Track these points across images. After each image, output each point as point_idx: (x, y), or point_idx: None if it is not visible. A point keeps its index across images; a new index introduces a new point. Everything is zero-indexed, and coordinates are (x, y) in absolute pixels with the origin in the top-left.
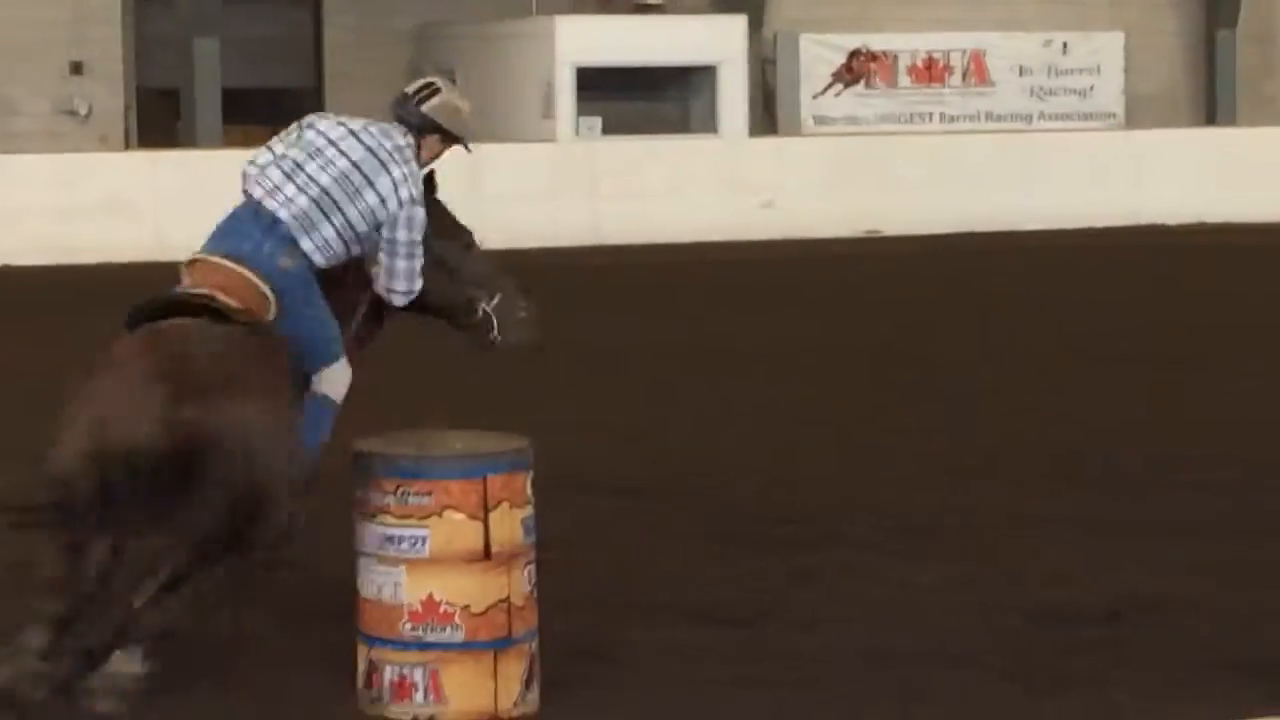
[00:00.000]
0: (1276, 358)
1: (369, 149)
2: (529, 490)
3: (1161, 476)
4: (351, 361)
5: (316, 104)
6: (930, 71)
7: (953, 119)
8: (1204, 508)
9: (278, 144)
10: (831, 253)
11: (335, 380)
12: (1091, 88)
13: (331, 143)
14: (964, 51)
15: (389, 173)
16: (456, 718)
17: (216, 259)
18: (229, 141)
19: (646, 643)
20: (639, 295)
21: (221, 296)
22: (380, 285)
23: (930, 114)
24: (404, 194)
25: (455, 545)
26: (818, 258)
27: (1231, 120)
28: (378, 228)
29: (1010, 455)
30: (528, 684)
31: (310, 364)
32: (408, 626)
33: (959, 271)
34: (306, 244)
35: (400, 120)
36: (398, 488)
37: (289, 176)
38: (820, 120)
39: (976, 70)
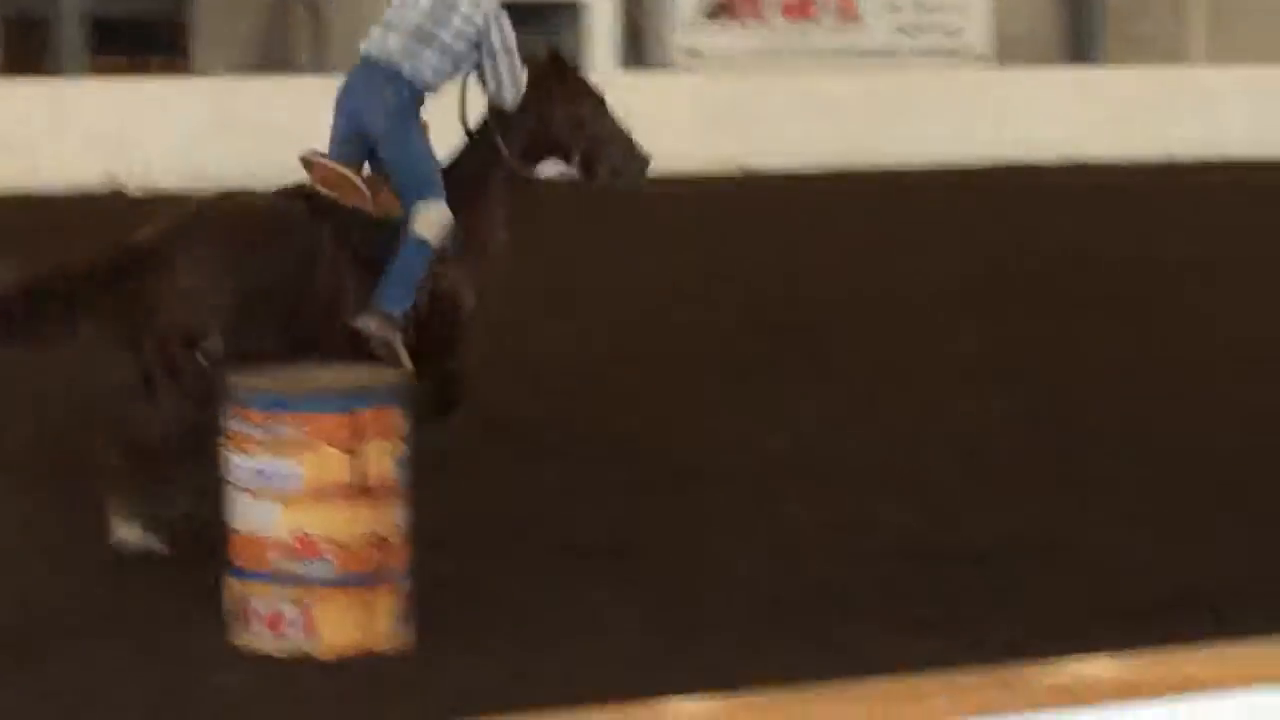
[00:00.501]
0: (1143, 300)
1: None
2: (402, 425)
3: (1040, 420)
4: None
5: (184, 34)
6: (800, 6)
7: (822, 54)
8: (1084, 452)
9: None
10: (701, 190)
11: (431, 220)
12: (961, 26)
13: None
14: None
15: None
16: (329, 652)
17: (325, 163)
18: (96, 70)
19: (520, 577)
20: None
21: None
22: (493, 96)
23: (799, 49)
24: (487, 6)
25: (326, 479)
26: (686, 195)
27: (1101, 59)
28: (476, 45)
29: (884, 396)
30: (402, 620)
31: (406, 196)
32: (279, 560)
33: (828, 210)
34: (407, 70)
35: None
36: (267, 420)
37: (385, 27)
38: (691, 53)
39: (845, 6)
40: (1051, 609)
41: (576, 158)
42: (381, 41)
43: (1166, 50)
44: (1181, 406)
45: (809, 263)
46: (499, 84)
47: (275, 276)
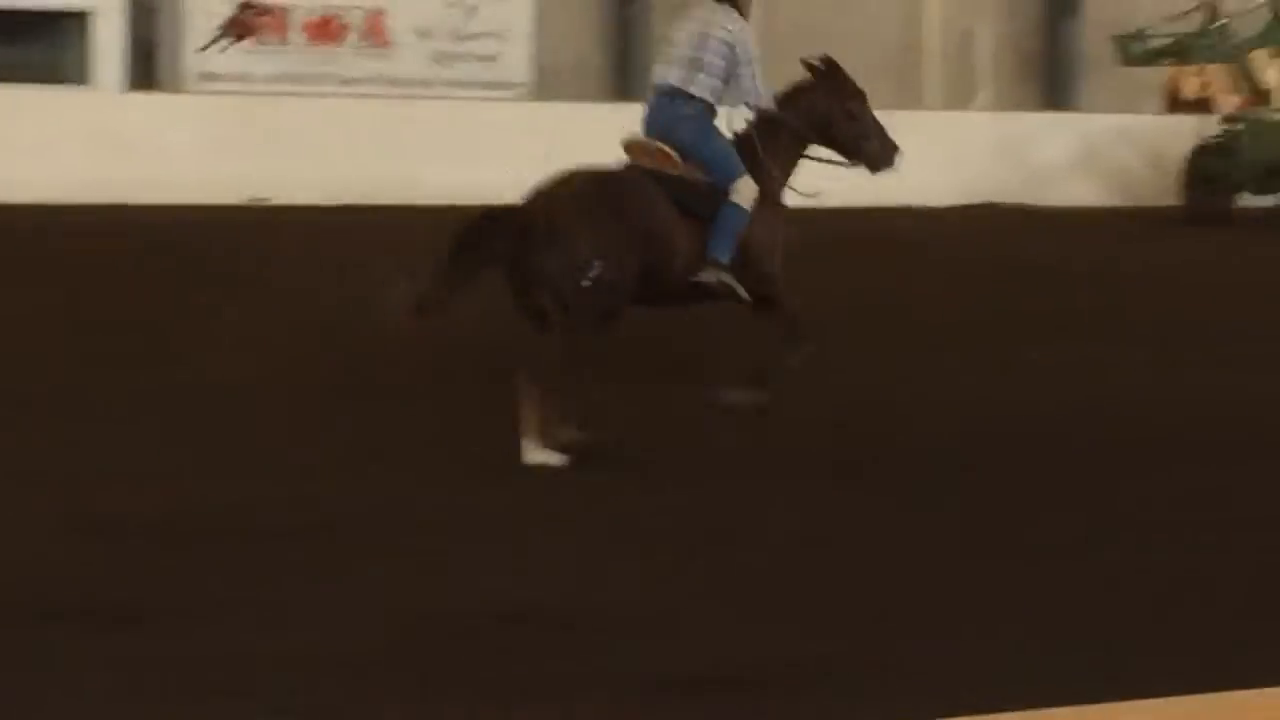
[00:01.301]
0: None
1: (703, 20)
2: None
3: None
4: (783, 172)
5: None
6: (326, 29)
7: (348, 81)
8: (657, 513)
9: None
10: (215, 219)
11: (743, 191)
12: (498, 55)
13: (676, 32)
14: (362, 10)
15: (720, 23)
16: None
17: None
18: None
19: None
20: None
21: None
22: (750, 100)
23: (325, 75)
24: (734, 28)
25: None
26: (199, 223)
27: (644, 95)
28: (735, 64)
29: (432, 450)
30: None
31: (721, 179)
32: None
33: (356, 241)
34: (693, 89)
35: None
36: None
37: (666, 63)
38: (206, 76)
39: (375, 30)
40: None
41: (843, 144)
42: (665, 74)
43: None
44: None
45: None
46: (754, 91)
47: (629, 227)
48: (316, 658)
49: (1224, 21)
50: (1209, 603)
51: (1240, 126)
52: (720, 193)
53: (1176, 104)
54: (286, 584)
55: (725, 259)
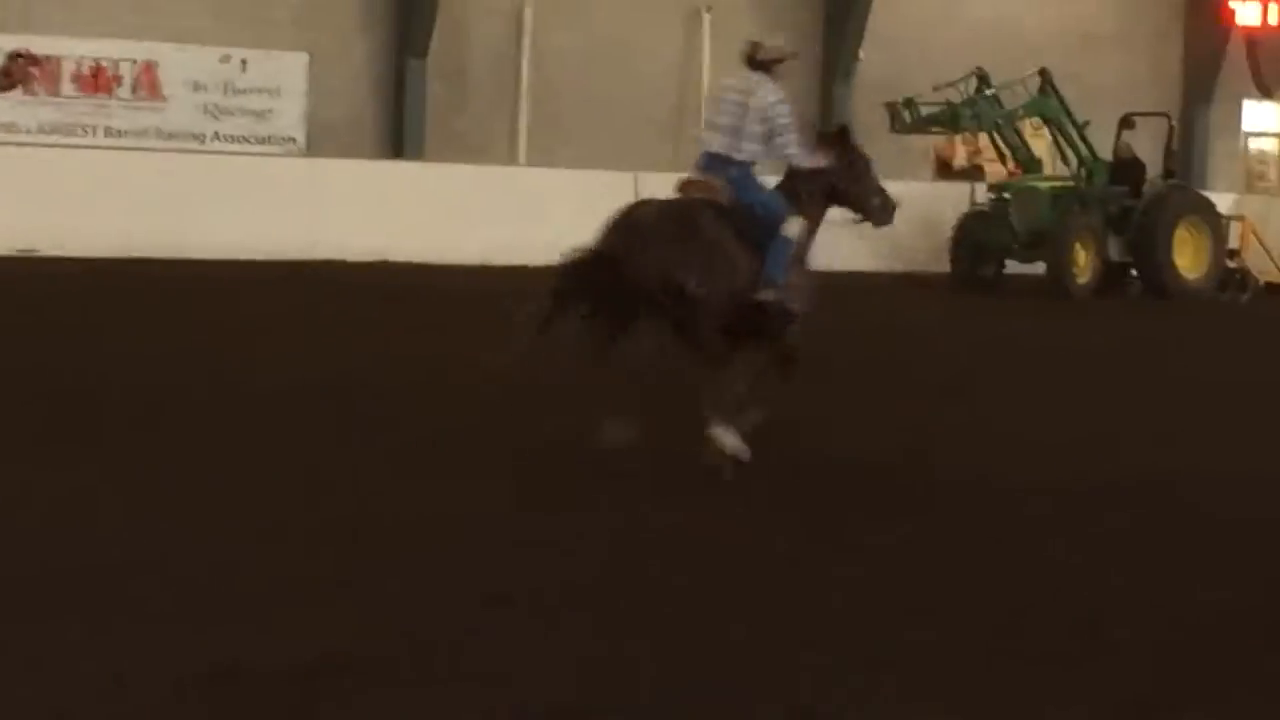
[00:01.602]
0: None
1: (740, 90)
2: None
3: (354, 534)
4: (812, 223)
5: None
6: (97, 81)
7: (120, 133)
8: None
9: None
10: None
11: (793, 228)
12: (271, 110)
13: (719, 100)
14: (134, 62)
15: (758, 93)
16: None
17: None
18: None
19: None
20: None
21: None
22: (790, 160)
23: (96, 127)
24: (772, 99)
25: None
26: None
27: (419, 154)
28: (773, 129)
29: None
30: None
31: (769, 221)
32: None
33: (119, 296)
34: (738, 155)
35: (753, 66)
36: None
37: (710, 129)
38: None
39: (146, 82)
40: None
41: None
42: (711, 141)
43: (486, 149)
44: None
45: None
46: (793, 152)
47: (706, 248)
48: None
49: (993, 91)
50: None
51: (1008, 195)
52: (773, 222)
53: (946, 171)
54: None
55: (781, 280)
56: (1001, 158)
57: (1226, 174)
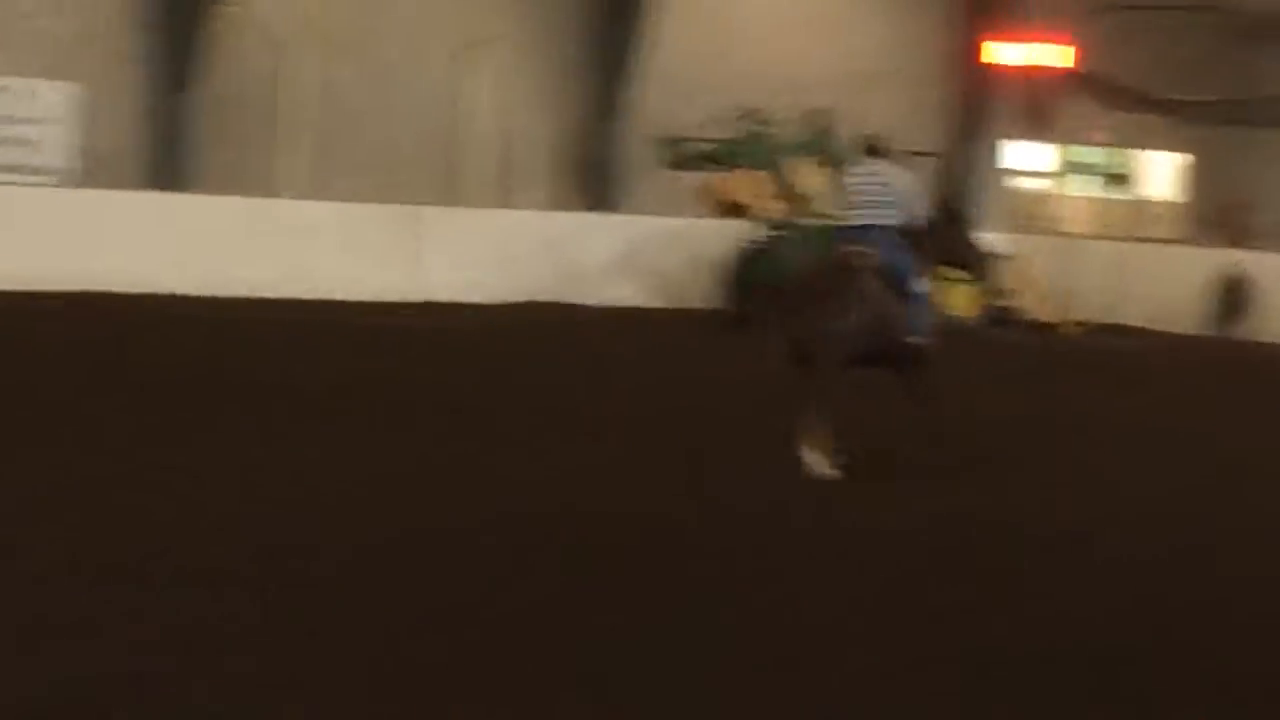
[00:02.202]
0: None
1: (873, 173)
2: None
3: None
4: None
5: None
6: None
7: None
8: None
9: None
10: None
11: (918, 284)
12: (38, 140)
13: (859, 180)
14: None
15: (887, 175)
16: None
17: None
18: None
19: None
20: None
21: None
22: (917, 222)
23: None
24: (899, 180)
25: None
26: None
27: (190, 186)
28: (902, 197)
29: None
30: None
31: (904, 277)
32: None
33: None
34: (880, 221)
35: (874, 154)
36: None
37: (855, 209)
38: None
39: None
40: None
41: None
42: (859, 217)
43: (257, 181)
44: None
45: None
46: (919, 214)
47: (860, 298)
48: None
49: (768, 128)
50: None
51: (780, 233)
52: (909, 278)
53: (718, 208)
54: None
55: (925, 326)
56: (776, 195)
57: (996, 213)
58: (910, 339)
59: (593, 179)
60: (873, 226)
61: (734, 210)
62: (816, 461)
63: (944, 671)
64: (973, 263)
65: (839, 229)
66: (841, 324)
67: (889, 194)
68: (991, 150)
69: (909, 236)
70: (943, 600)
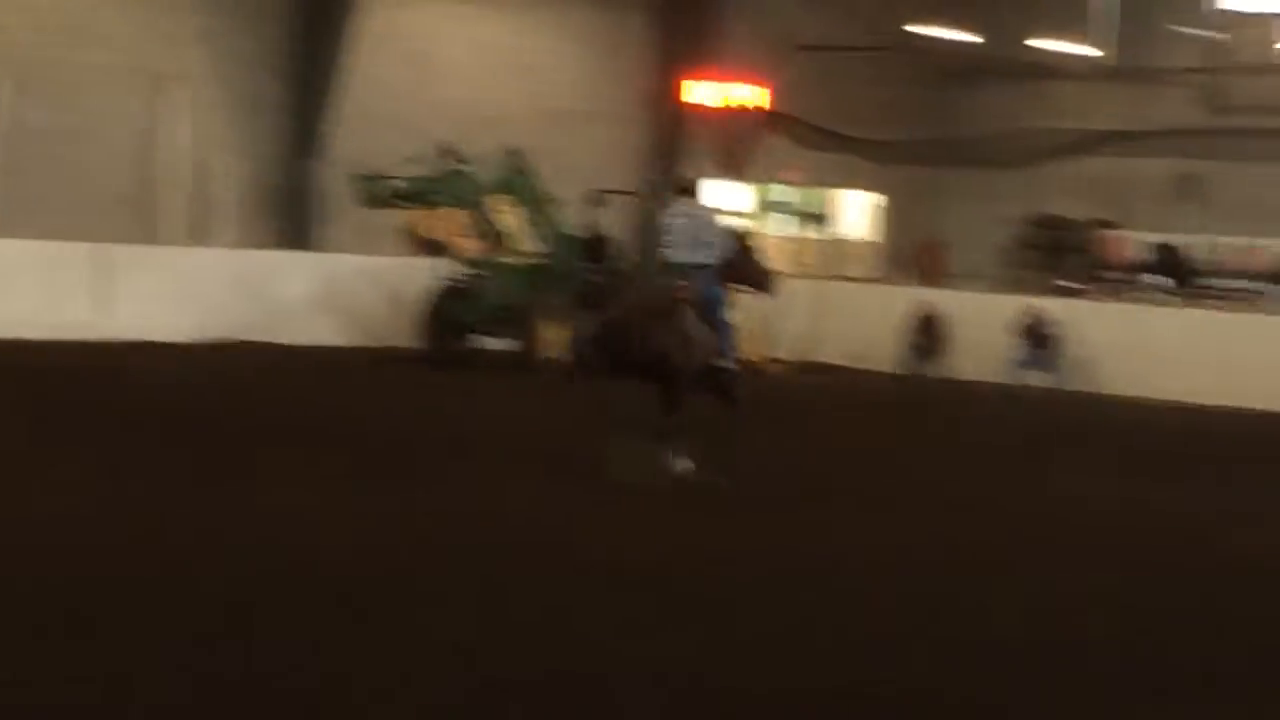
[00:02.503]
0: None
1: (688, 213)
2: None
3: None
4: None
5: None
6: None
7: None
8: None
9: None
10: None
11: (727, 314)
12: None
13: (675, 220)
14: None
15: (699, 214)
16: None
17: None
18: None
19: None
20: None
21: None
22: (721, 254)
23: None
24: (710, 216)
25: None
26: None
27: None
28: (712, 233)
29: None
30: None
31: (715, 308)
32: None
33: None
34: (698, 259)
35: (685, 193)
36: None
37: (675, 246)
38: None
39: None
40: None
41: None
42: (676, 254)
43: None
44: None
45: None
46: (723, 247)
47: (684, 325)
48: None
49: (465, 167)
50: None
51: (478, 271)
52: (720, 309)
53: (416, 246)
54: None
55: (731, 352)
56: (473, 233)
57: None
58: (720, 362)
59: (290, 216)
60: (691, 263)
61: (432, 248)
62: (681, 462)
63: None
64: (765, 284)
65: (665, 264)
66: (674, 349)
67: (703, 231)
68: None
69: (719, 268)
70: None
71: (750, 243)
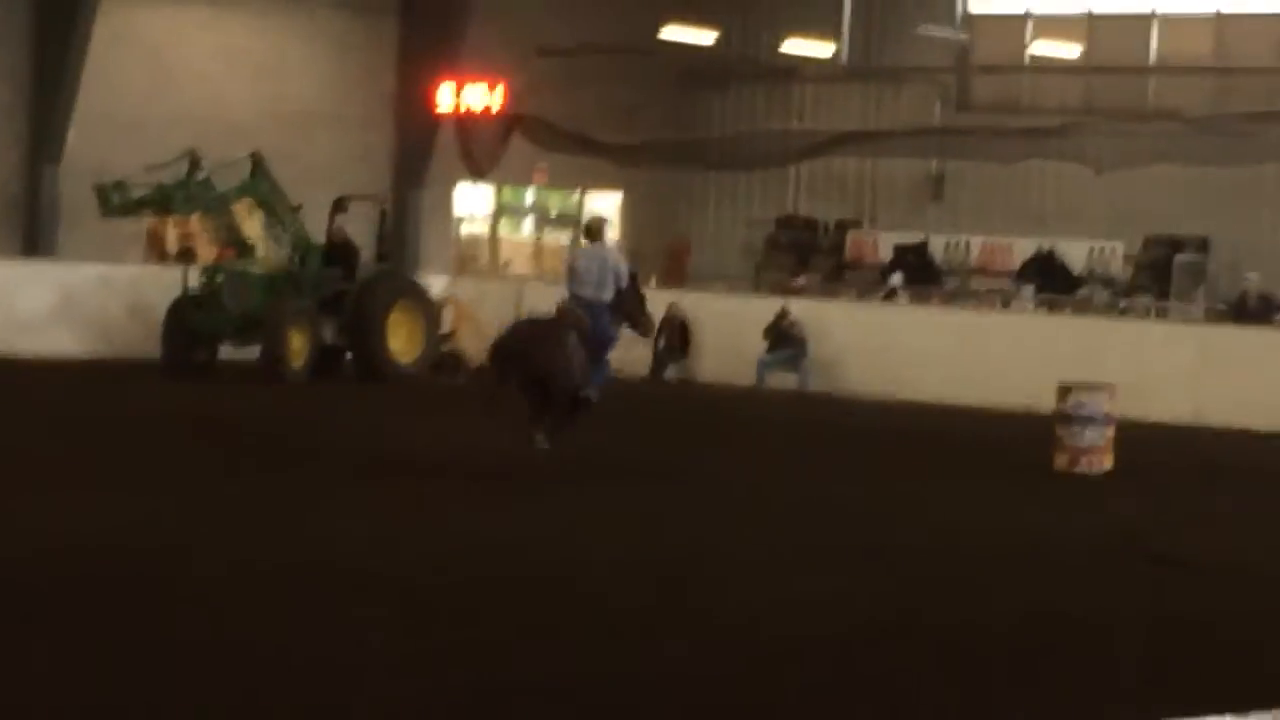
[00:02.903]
0: None
1: (595, 255)
2: None
3: None
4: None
5: None
6: None
7: None
8: None
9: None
10: None
11: (608, 348)
12: None
13: (583, 261)
14: None
15: (606, 256)
16: None
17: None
18: None
19: None
20: None
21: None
22: (620, 289)
23: None
24: (615, 258)
25: None
26: None
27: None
28: (616, 275)
29: None
30: None
31: (601, 341)
32: None
33: None
34: (603, 296)
35: (593, 237)
36: None
37: (581, 283)
38: None
39: None
40: None
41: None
42: (581, 289)
43: None
44: None
45: None
46: (623, 285)
47: (567, 347)
48: None
49: (206, 173)
50: None
51: (221, 278)
52: (603, 346)
53: (159, 254)
54: None
55: (600, 384)
56: (215, 241)
57: (440, 257)
58: (584, 393)
59: (27, 224)
60: (596, 301)
61: (175, 256)
62: (540, 439)
63: None
64: (640, 323)
65: (573, 296)
66: (558, 372)
67: (606, 272)
68: (438, 194)
69: (613, 307)
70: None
71: (637, 284)
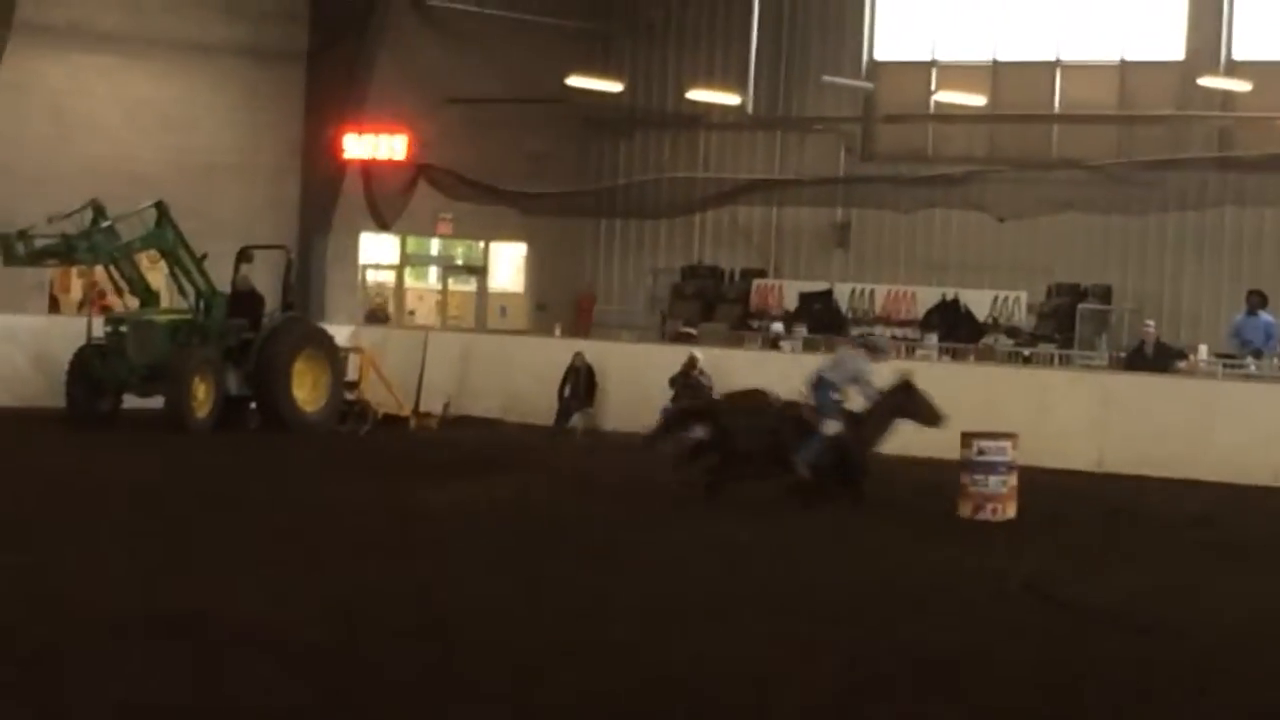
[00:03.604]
0: None
1: (847, 358)
2: None
3: None
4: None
5: None
6: None
7: None
8: None
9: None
10: None
11: (829, 429)
12: None
13: (841, 361)
14: None
15: (855, 363)
16: None
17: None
18: None
19: None
20: None
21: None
22: (869, 396)
23: None
24: (865, 367)
25: None
26: None
27: None
28: (861, 380)
29: None
30: None
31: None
32: None
33: None
34: (837, 381)
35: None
36: None
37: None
38: None
39: None
40: None
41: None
42: (833, 378)
43: None
44: None
45: None
46: (870, 392)
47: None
48: None
49: (110, 223)
50: None
51: (125, 328)
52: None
53: (62, 305)
54: None
55: (810, 460)
56: (119, 291)
57: (345, 305)
58: (800, 466)
59: None
60: (835, 386)
61: (79, 305)
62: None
63: None
64: (929, 419)
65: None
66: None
67: (853, 377)
68: (343, 243)
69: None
70: None
71: (912, 383)
